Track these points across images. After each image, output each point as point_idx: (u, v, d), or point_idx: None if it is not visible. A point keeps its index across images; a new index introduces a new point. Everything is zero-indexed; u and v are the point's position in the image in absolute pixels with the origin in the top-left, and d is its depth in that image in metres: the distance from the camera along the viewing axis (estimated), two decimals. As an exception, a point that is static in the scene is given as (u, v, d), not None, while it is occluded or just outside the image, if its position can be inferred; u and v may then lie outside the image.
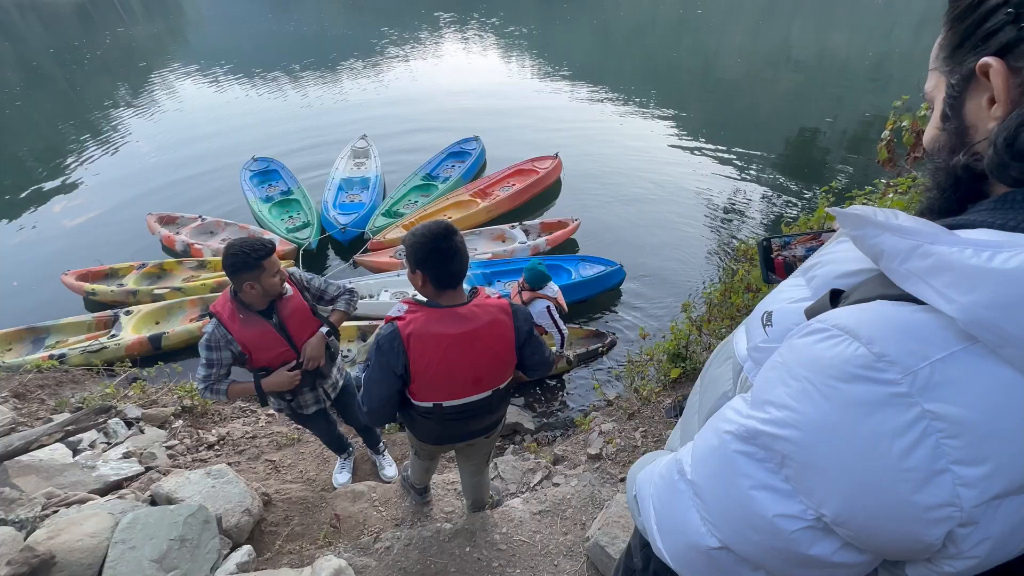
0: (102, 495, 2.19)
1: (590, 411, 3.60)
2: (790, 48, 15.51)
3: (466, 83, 12.41)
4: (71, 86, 15.94)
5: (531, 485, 2.64)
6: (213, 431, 3.17)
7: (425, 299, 1.50)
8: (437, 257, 1.41)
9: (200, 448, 2.98)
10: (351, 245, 6.01)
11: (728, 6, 22.72)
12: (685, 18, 20.99)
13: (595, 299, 4.99)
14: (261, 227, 6.41)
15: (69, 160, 9.43)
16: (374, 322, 4.51)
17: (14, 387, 3.13)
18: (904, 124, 2.38)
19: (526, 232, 5.79)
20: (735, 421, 0.54)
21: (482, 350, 1.47)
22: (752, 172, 7.45)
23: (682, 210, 6.56)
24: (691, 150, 8.31)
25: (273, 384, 2.06)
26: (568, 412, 3.94)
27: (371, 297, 5.03)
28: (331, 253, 6.19)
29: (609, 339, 4.27)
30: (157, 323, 5.22)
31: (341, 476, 2.84)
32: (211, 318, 1.93)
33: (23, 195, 8.23)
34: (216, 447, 3.02)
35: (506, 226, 5.83)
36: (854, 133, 8.83)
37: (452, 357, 1.44)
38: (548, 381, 4.17)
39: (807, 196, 6.68)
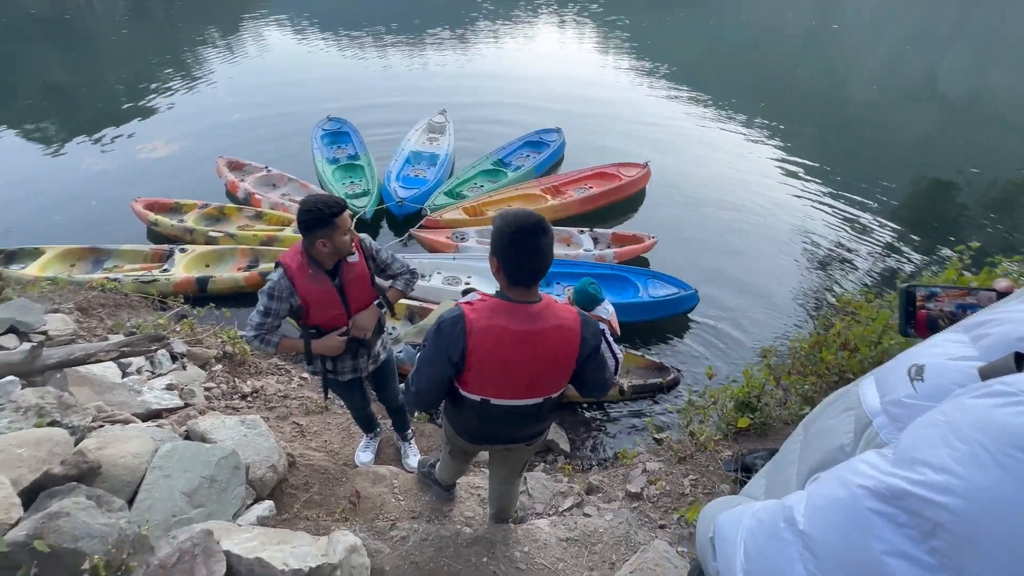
0: (143, 420, 2.42)
1: (635, 446, 3.55)
2: (937, 81, 14.46)
3: (556, 70, 12.52)
4: (169, 21, 17.59)
5: (560, 509, 2.65)
6: (248, 382, 3.41)
7: (496, 292, 1.55)
8: (518, 251, 1.44)
9: (234, 396, 3.21)
10: (406, 220, 6.25)
11: (871, 24, 21.50)
12: (816, 31, 20.06)
13: (660, 323, 4.92)
14: (322, 187, 6.81)
15: (154, 93, 10.43)
16: (424, 304, 4.66)
17: (79, 301, 3.52)
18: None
19: (595, 240, 5.78)
20: (872, 476, 0.53)
21: (543, 353, 1.51)
22: (867, 217, 7.03)
23: (775, 245, 6.30)
24: (797, 181, 7.96)
25: (322, 347, 2.17)
26: (610, 442, 3.90)
27: (423, 278, 5.20)
28: (385, 226, 6.47)
29: (672, 375, 4.17)
30: (207, 266, 5.68)
31: (364, 455, 2.97)
32: (277, 267, 2.04)
33: (109, 120, 9.19)
34: (249, 398, 3.25)
35: (575, 229, 5.85)
36: (1004, 191, 8.12)
37: (511, 354, 1.49)
38: (593, 405, 4.15)
39: (931, 254, 6.22)
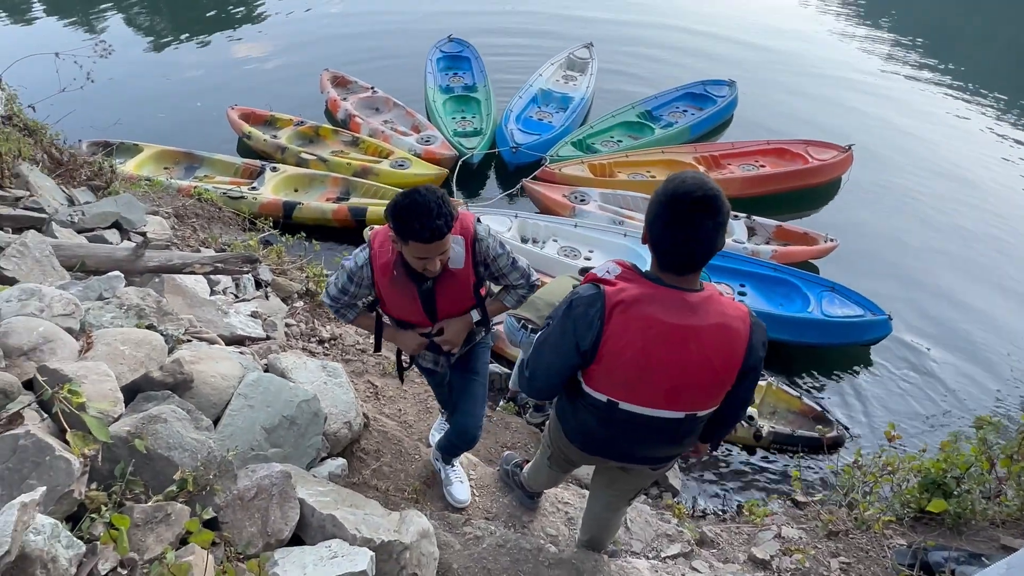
0: (227, 343, 2.78)
1: (767, 503, 3.43)
2: None
3: (740, 10, 11.86)
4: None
5: (662, 554, 2.65)
6: (328, 327, 3.76)
7: (645, 272, 1.53)
8: (674, 229, 1.40)
9: (312, 339, 3.56)
10: (518, 171, 6.36)
11: None
12: None
13: (833, 352, 4.69)
14: (429, 119, 7.15)
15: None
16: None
17: (176, 207, 4.09)
18: None
19: (751, 230, 5.54)
20: None
21: (697, 355, 1.47)
22: None
23: (1009, 291, 5.58)
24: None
25: (397, 340, 2.27)
26: (732, 492, 3.80)
27: (534, 243, 5.32)
28: (492, 174, 6.67)
29: (835, 433, 3.90)
30: (296, 190, 6.26)
31: (439, 436, 3.15)
32: (365, 247, 2.04)
33: (218, 21, 10.30)
34: (327, 344, 3.58)
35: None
36: None
37: (655, 351, 1.46)
38: (721, 445, 4.05)
39: None
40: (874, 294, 4.87)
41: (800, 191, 6.29)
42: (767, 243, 5.48)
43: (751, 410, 4.01)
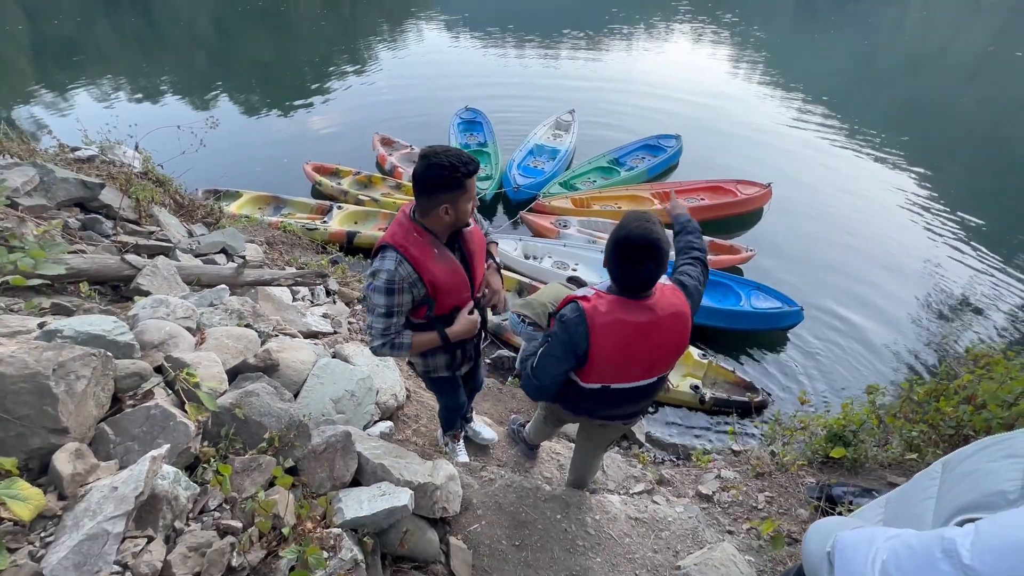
0: (304, 337, 2.80)
1: (711, 452, 3.40)
2: None
3: (686, 79, 11.84)
4: (352, 16, 19.32)
5: (631, 491, 2.64)
6: (379, 324, 3.78)
7: (608, 287, 1.53)
8: (628, 268, 1.41)
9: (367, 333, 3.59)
10: (518, 205, 6.40)
11: (1066, 54, 17.44)
12: (991, 57, 16.76)
13: (758, 336, 4.61)
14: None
15: (332, 74, 11.60)
16: (533, 282, 4.78)
17: (268, 236, 4.13)
18: None
19: None
20: None
21: (662, 340, 1.50)
22: (1011, 276, 5.87)
23: (899, 282, 5.51)
24: (937, 220, 6.83)
25: (460, 332, 1.73)
26: (684, 444, 3.76)
27: (535, 259, 5.33)
28: (500, 209, 6.68)
29: (760, 397, 3.87)
30: (355, 223, 6.29)
31: (463, 455, 2.55)
32: (385, 252, 1.55)
33: (296, 94, 10.41)
34: (379, 337, 3.60)
35: (669, 232, 5.61)
36: None
37: (633, 346, 1.48)
38: (671, 407, 4.01)
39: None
40: (788, 292, 4.82)
41: (732, 218, 6.25)
42: None
43: (697, 381, 3.99)
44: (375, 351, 1.67)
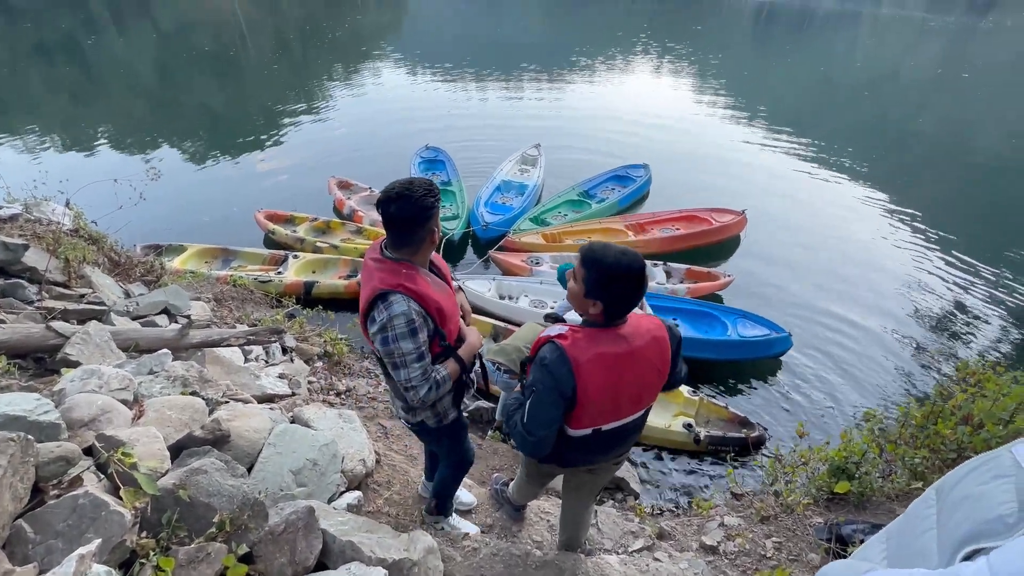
0: (259, 401, 2.70)
1: (711, 498, 3.36)
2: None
3: (650, 110, 12.56)
4: (304, 59, 19.89)
5: (630, 549, 2.57)
6: (343, 381, 3.68)
7: (582, 320, 1.57)
8: (627, 292, 1.46)
9: (331, 392, 3.48)
10: (488, 243, 6.49)
11: (1010, 72, 19.43)
12: (942, 80, 18.46)
13: (747, 365, 4.69)
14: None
15: (285, 118, 11.78)
16: (509, 325, 4.77)
17: (215, 293, 4.03)
18: None
19: (668, 274, 5.70)
20: None
21: (645, 367, 1.54)
22: (998, 282, 6.25)
23: (884, 301, 5.79)
24: (914, 237, 7.28)
25: (469, 349, 1.79)
26: (682, 490, 3.72)
27: (510, 299, 5.35)
28: (469, 248, 6.75)
29: (757, 432, 3.89)
30: (313, 272, 6.23)
31: (468, 494, 2.64)
32: (389, 297, 1.55)
33: (247, 140, 10.50)
34: (343, 396, 3.50)
35: (648, 262, 5.79)
36: None
37: (618, 378, 1.51)
38: (665, 451, 3.99)
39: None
40: (773, 317, 4.97)
41: (709, 247, 6.49)
42: (681, 282, 5.63)
43: (690, 420, 4.00)
44: (425, 400, 1.65)
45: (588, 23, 31.11)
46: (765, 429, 4.04)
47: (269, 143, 10.40)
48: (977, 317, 5.65)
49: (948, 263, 6.62)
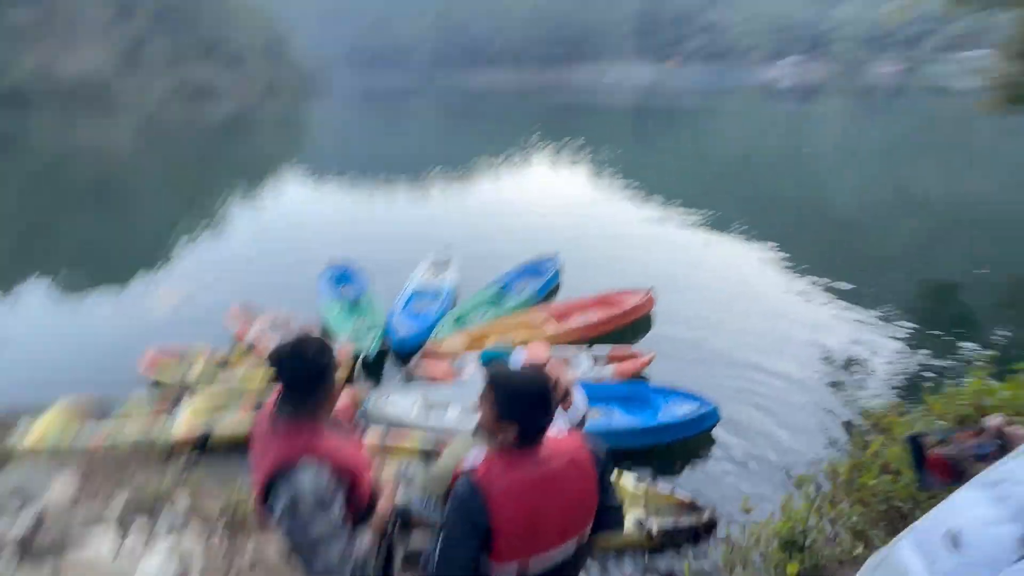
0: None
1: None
2: (919, 192, 15.57)
3: (553, 201, 13.72)
4: (201, 177, 19.66)
5: None
6: (249, 545, 3.20)
7: (497, 446, 1.52)
8: (536, 411, 1.46)
9: (232, 570, 2.99)
10: (409, 356, 6.31)
11: (838, 144, 23.71)
12: (790, 154, 22.11)
13: (681, 445, 4.74)
14: (327, 330, 7.00)
15: (178, 247, 11.28)
16: (440, 439, 4.50)
17: (86, 461, 3.46)
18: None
19: (593, 359, 5.85)
20: None
21: (565, 491, 1.48)
22: (878, 325, 7.08)
23: (790, 358, 6.26)
24: (802, 294, 8.20)
25: (385, 503, 1.66)
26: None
27: (438, 410, 5.12)
28: (388, 364, 6.54)
29: (707, 514, 3.83)
30: (211, 415, 5.59)
31: None
32: (290, 474, 1.39)
33: (132, 272, 9.80)
34: (250, 571, 3.01)
35: (572, 349, 5.95)
36: (1013, 290, 8.28)
37: (537, 504, 1.45)
38: (616, 553, 3.79)
39: (950, 358, 6.13)
40: (696, 382, 5.23)
41: (626, 328, 6.82)
42: (606, 365, 5.78)
43: (638, 513, 3.88)
44: None
45: (484, 129, 34.24)
46: (714, 508, 4.01)
47: (161, 274, 9.79)
48: (873, 359, 6.27)
49: (840, 312, 7.47)
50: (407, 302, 7.35)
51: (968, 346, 6.23)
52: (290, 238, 11.45)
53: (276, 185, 17.64)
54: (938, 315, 7.72)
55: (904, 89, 57.91)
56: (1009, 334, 6.67)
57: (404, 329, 6.58)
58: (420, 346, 6.35)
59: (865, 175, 17.84)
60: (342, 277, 8.21)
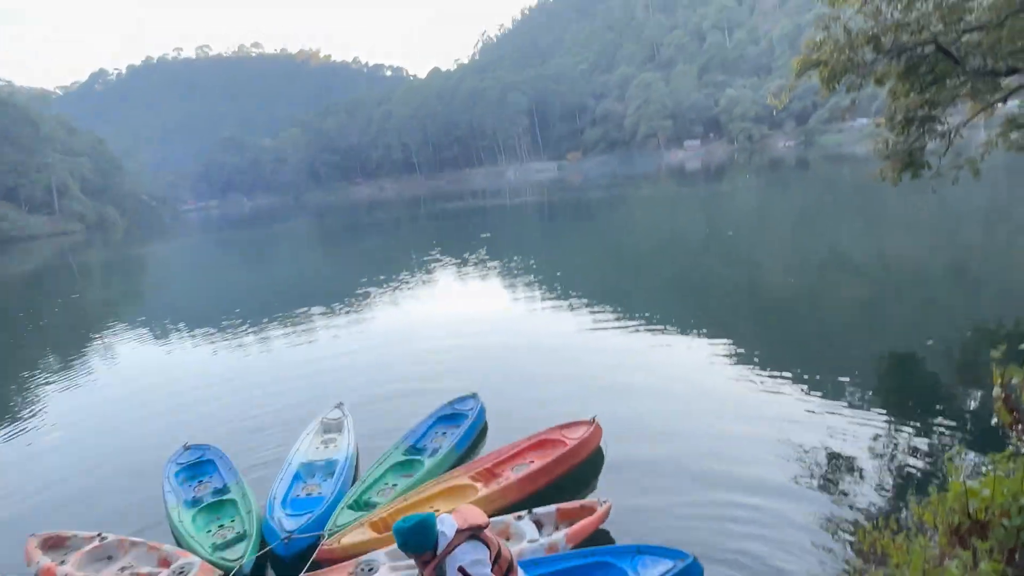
0: None
1: None
2: (847, 259, 17.78)
3: (464, 325, 13.77)
4: (13, 344, 17.76)
5: None
6: None
7: None
8: None
9: None
10: (300, 560, 5.61)
11: (762, 222, 26.91)
12: (713, 235, 24.63)
13: None
14: (178, 544, 6.10)
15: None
16: None
17: None
18: (1016, 380, 2.51)
19: (539, 524, 5.53)
20: None
21: None
22: (841, 412, 7.47)
23: (760, 466, 6.36)
24: (755, 383, 8.64)
25: None
26: None
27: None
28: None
29: None
30: None
31: None
32: None
33: None
34: None
35: (511, 517, 5.56)
36: (963, 356, 9.29)
37: None
38: None
39: (928, 444, 6.56)
40: (670, 540, 5.03)
41: (573, 471, 6.62)
42: (556, 529, 5.49)
43: None
44: None
45: (370, 248, 34.98)
46: None
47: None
48: (854, 455, 6.50)
49: (801, 399, 7.90)
50: (291, 484, 6.70)
51: (936, 423, 6.87)
52: (121, 421, 10.26)
53: (106, 348, 16.33)
54: (896, 391, 8.41)
55: (804, 161, 68.58)
56: (974, 404, 7.41)
57: (289, 523, 5.91)
58: (314, 546, 5.68)
59: (792, 249, 20.22)
60: (199, 464, 7.40)
